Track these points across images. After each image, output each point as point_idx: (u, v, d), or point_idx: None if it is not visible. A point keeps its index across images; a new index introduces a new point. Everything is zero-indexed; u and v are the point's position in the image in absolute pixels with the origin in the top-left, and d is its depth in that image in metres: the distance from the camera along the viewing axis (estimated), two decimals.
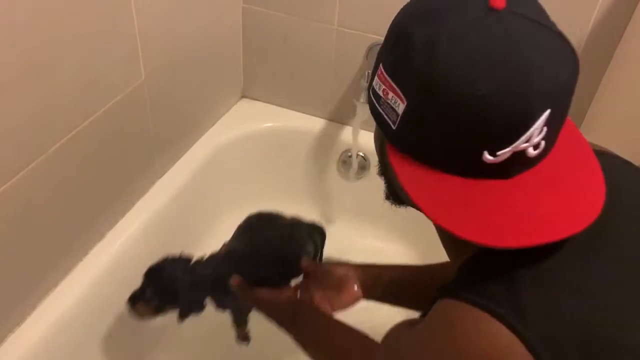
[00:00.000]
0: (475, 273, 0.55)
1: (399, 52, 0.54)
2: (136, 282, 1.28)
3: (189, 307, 1.02)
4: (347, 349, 0.80)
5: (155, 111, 1.23)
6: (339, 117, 1.58)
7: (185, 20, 1.25)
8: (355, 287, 0.95)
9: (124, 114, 1.13)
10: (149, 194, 1.31)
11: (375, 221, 1.38)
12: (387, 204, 0.69)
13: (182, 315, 1.01)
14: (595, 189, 0.55)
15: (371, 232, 1.23)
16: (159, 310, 1.01)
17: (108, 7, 1.00)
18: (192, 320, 1.40)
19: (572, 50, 0.54)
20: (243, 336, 1.13)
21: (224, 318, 1.44)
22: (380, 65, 0.57)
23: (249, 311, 1.08)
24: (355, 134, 1.50)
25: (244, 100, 1.66)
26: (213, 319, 1.43)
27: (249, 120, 1.59)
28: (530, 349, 0.47)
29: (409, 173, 0.55)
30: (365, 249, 1.27)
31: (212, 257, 1.03)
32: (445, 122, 0.52)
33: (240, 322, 1.11)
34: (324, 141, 1.58)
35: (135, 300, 1.01)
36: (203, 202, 1.50)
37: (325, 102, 1.57)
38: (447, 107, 0.51)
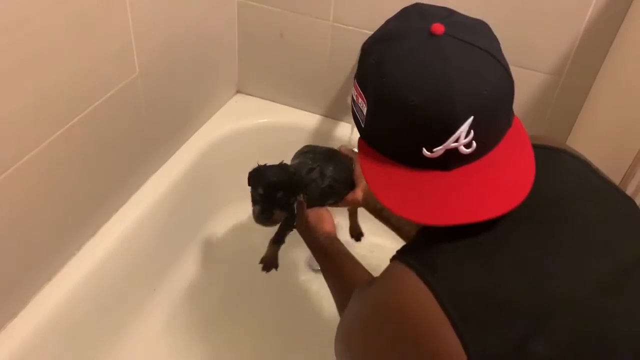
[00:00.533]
0: (418, 241, 0.69)
1: (362, 67, 0.70)
2: (129, 276, 1.28)
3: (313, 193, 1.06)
4: (350, 286, 0.88)
5: (149, 106, 1.22)
6: (334, 113, 1.58)
7: (180, 14, 1.25)
8: (359, 191, 1.10)
9: (118, 108, 1.12)
10: (143, 189, 1.31)
11: (371, 217, 1.37)
12: None
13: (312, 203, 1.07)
14: (522, 184, 0.65)
15: (368, 228, 1.23)
16: (291, 207, 1.04)
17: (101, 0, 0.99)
18: (180, 318, 1.40)
19: (503, 68, 0.66)
20: (272, 258, 1.12)
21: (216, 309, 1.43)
22: (355, 76, 0.71)
23: (290, 230, 1.10)
24: (350, 130, 1.50)
25: (239, 95, 1.66)
26: (210, 309, 1.43)
27: (243, 116, 1.59)
28: (438, 300, 0.59)
29: (369, 162, 0.69)
30: (361, 245, 1.28)
31: (285, 164, 1.06)
32: (390, 123, 0.66)
33: (279, 240, 1.11)
34: (319, 137, 1.58)
35: (271, 210, 1.00)
36: (197, 197, 1.50)
37: (320, 98, 1.57)
38: (390, 112, 0.65)
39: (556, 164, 0.72)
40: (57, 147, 0.98)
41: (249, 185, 1.03)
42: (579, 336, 0.58)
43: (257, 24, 1.49)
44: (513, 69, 1.39)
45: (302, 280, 1.52)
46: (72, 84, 0.98)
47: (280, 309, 1.47)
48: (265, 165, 1.04)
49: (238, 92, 1.66)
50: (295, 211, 1.05)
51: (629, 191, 0.88)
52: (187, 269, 1.49)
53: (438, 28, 0.63)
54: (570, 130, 1.34)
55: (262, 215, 1.00)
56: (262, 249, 1.14)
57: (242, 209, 1.63)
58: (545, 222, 0.66)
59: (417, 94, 0.62)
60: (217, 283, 1.50)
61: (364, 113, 0.68)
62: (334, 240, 1.04)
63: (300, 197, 1.03)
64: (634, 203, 0.71)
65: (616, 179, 0.93)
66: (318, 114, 1.60)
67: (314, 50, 1.48)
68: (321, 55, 1.48)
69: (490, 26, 0.70)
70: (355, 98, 0.71)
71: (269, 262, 1.12)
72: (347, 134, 1.53)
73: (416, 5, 0.70)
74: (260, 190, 1.00)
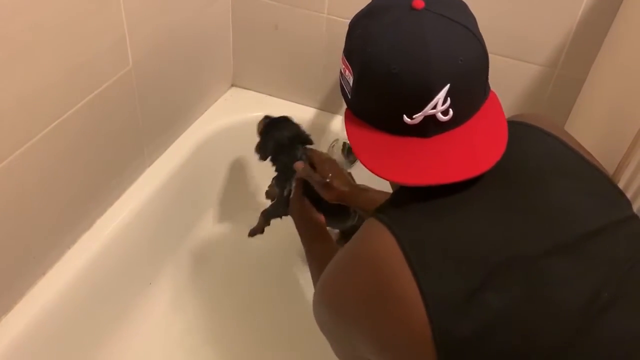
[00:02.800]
0: (392, 201, 0.74)
1: (349, 41, 0.75)
2: (125, 270, 1.28)
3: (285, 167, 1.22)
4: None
5: (144, 99, 1.22)
6: (329, 106, 1.58)
7: (174, 6, 1.24)
8: (343, 186, 1.10)
9: (112, 101, 1.12)
10: (138, 182, 1.31)
11: None
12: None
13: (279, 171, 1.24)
14: (494, 152, 0.69)
15: None
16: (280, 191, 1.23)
17: None
18: (179, 314, 1.40)
19: (478, 41, 0.70)
20: (260, 228, 1.29)
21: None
22: (343, 50, 0.76)
23: (281, 215, 1.24)
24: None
25: (234, 88, 1.65)
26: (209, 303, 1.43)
27: (238, 109, 1.58)
28: (402, 248, 0.64)
29: (354, 129, 0.74)
30: None
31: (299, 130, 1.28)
32: (374, 91, 0.71)
33: (269, 215, 1.27)
34: (314, 130, 1.57)
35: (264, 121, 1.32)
36: (192, 191, 1.50)
37: (315, 91, 1.57)
38: (374, 81, 0.70)
39: (529, 138, 0.75)
40: (50, 140, 0.98)
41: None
42: (529, 294, 0.62)
43: (252, 16, 1.49)
44: (508, 61, 1.39)
45: (299, 277, 1.52)
46: (66, 77, 0.98)
47: (279, 303, 1.47)
48: (299, 126, 1.30)
49: (233, 85, 1.66)
50: (291, 192, 1.11)
51: (623, 180, 0.88)
52: (182, 262, 1.49)
53: (418, 3, 0.69)
54: (566, 121, 1.35)
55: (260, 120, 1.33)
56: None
57: (238, 202, 1.64)
58: (512, 189, 0.69)
59: (398, 63, 0.67)
60: (212, 277, 1.50)
61: (350, 84, 0.73)
62: (323, 228, 1.08)
63: (300, 164, 1.11)
64: (612, 183, 0.73)
65: (611, 168, 0.93)
66: (313, 107, 1.59)
67: (309, 43, 1.47)
68: (316, 48, 1.47)
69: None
70: (342, 71, 0.76)
71: (255, 230, 1.29)
72: (341, 126, 1.53)
73: None
74: (266, 120, 1.32)
